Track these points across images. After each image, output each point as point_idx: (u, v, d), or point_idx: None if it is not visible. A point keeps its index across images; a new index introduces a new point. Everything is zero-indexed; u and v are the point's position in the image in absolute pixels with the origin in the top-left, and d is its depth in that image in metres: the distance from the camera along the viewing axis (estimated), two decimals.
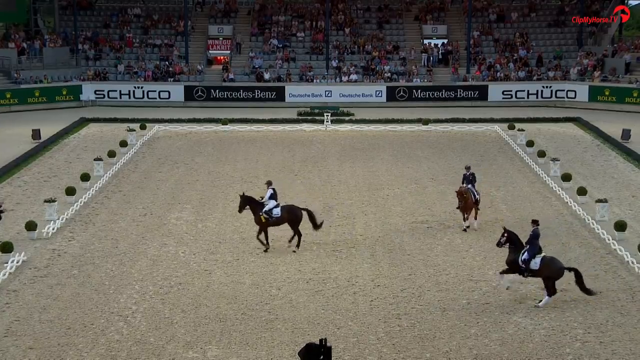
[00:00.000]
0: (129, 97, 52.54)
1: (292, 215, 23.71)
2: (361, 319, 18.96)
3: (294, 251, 23.72)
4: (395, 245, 24.48)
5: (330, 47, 55.47)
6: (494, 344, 17.81)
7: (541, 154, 36.34)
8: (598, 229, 25.58)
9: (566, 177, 31.62)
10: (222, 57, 57.19)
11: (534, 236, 20.04)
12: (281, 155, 37.72)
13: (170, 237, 25.28)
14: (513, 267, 20.20)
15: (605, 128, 42.69)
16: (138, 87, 52.76)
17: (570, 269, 19.79)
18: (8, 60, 51.87)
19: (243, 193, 24.63)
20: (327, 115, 45.31)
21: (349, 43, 56.63)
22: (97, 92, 52.51)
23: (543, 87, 52.63)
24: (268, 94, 52.92)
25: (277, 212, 23.65)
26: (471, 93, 52.91)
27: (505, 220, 27.12)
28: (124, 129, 41.87)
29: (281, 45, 56.38)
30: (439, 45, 56.67)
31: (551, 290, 19.71)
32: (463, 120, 45.77)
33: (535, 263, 19.77)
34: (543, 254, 19.92)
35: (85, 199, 29.17)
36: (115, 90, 52.64)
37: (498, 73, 53.68)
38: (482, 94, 52.74)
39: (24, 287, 20.90)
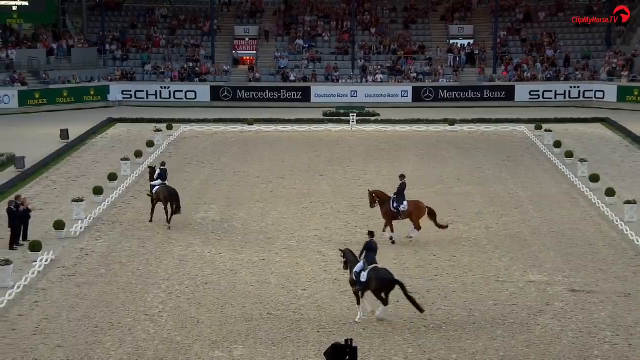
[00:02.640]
0: (156, 98, 52.89)
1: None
2: (387, 320, 18.91)
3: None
4: (420, 245, 24.40)
5: (356, 47, 55.43)
6: (520, 345, 17.70)
7: (569, 154, 36.06)
8: (627, 231, 25.33)
9: (594, 178, 31.34)
10: (248, 58, 57.37)
11: (369, 248, 19.01)
12: (307, 156, 37.74)
13: (196, 237, 25.40)
14: (352, 284, 18.93)
15: (633, 128, 42.26)
16: (165, 88, 53.09)
17: (397, 282, 18.45)
18: (37, 61, 52.41)
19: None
20: (353, 116, 45.28)
21: (374, 43, 56.56)
22: (124, 93, 52.89)
23: (571, 87, 52.23)
24: (294, 94, 52.99)
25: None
26: (498, 93, 52.63)
27: (531, 221, 27.00)
28: (150, 129, 42.15)
29: (307, 46, 56.44)
30: (465, 45, 56.44)
31: (384, 301, 18.59)
32: (489, 121, 45.54)
33: (363, 276, 18.55)
34: (374, 266, 18.68)
35: (112, 198, 29.39)
36: (142, 91, 53.00)
37: (525, 73, 53.34)
38: (508, 94, 52.44)
39: (52, 286, 21.11)
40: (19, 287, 20.56)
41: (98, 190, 29.53)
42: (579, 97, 52.06)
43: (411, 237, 24.55)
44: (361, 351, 16.37)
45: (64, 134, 40.67)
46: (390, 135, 42.98)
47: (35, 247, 23.04)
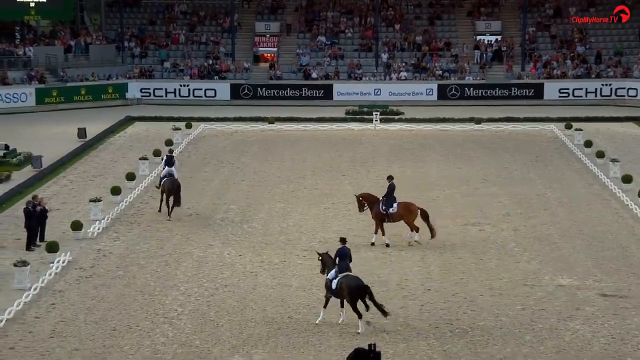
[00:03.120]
0: (175, 96, 53.12)
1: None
2: (411, 324, 18.85)
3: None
4: (446, 248, 24.31)
5: (379, 44, 55.35)
6: (549, 351, 17.57)
7: (600, 154, 35.77)
8: None
9: (627, 179, 31.06)
10: (269, 55, 57.44)
11: (341, 255, 18.80)
12: (328, 155, 37.73)
13: (215, 238, 25.46)
14: (326, 288, 18.74)
15: None
16: (184, 85, 53.30)
17: (366, 287, 18.14)
18: (55, 58, 52.80)
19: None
20: (376, 114, 45.22)
21: (399, 40, 56.43)
22: (142, 90, 53.17)
23: (602, 84, 51.85)
24: (315, 92, 53.01)
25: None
26: (526, 91, 52.38)
27: (560, 223, 26.81)
28: (169, 128, 42.34)
29: (329, 42, 56.43)
30: (492, 42, 56.19)
31: (357, 313, 18.13)
32: (517, 120, 45.32)
33: (334, 283, 18.41)
34: (345, 274, 18.45)
35: (130, 198, 29.53)
36: (161, 89, 53.26)
37: (554, 70, 53.03)
38: (537, 92, 52.16)
39: (69, 288, 21.23)
40: (35, 289, 20.70)
41: (116, 190, 29.67)
42: (610, 95, 51.66)
43: (416, 241, 24.25)
44: (384, 356, 16.31)
45: (82, 132, 40.94)
46: (415, 134, 42.86)
47: (52, 248, 23.18)
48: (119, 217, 27.62)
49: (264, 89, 53.25)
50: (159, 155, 35.92)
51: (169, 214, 27.23)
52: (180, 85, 53.35)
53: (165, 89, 53.29)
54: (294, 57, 55.73)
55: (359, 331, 18.22)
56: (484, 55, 55.03)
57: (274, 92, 53.14)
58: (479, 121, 44.79)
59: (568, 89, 52.14)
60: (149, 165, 33.99)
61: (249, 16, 58.88)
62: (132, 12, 59.13)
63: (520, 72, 53.36)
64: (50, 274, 21.80)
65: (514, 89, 52.40)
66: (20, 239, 24.78)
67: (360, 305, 18.24)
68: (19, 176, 32.89)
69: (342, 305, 18.77)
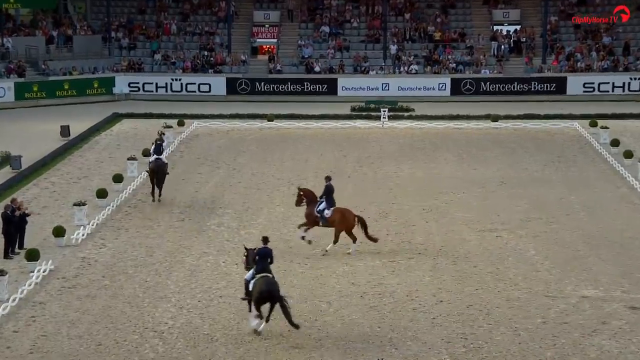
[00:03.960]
0: (166, 91, 53.16)
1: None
2: (422, 339, 18.86)
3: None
4: (460, 256, 24.32)
5: (388, 34, 55.34)
6: None
7: (628, 154, 35.76)
8: None
9: None
10: (268, 46, 57.48)
11: (261, 254, 19.25)
12: (332, 155, 37.75)
13: (210, 245, 25.49)
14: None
15: None
16: (176, 80, 53.34)
17: (276, 297, 18.67)
18: (35, 50, 52.87)
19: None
20: (384, 111, 45.23)
21: (409, 30, 56.44)
22: (131, 85, 53.25)
23: (630, 78, 51.80)
24: (319, 87, 53.02)
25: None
26: (547, 86, 52.33)
27: (584, 229, 26.80)
28: (160, 126, 42.36)
29: (333, 33, 56.45)
30: (510, 32, 56.15)
31: (264, 316, 18.80)
32: (538, 117, 45.31)
33: (251, 284, 18.96)
34: (263, 274, 18.91)
35: (117, 202, 29.58)
36: (151, 83, 53.31)
37: (578, 63, 52.97)
38: (559, 86, 52.11)
39: (51, 299, 21.27)
40: (14, 300, 20.73)
41: (102, 193, 29.72)
42: (639, 89, 51.58)
43: (349, 253, 24.29)
44: None
45: (65, 130, 41.01)
46: (426, 132, 42.87)
47: (32, 256, 23.22)
48: (105, 222, 27.66)
49: (262, 83, 53.27)
50: (148, 156, 35.99)
51: (152, 194, 29.69)
52: (172, 80, 53.39)
53: (156, 84, 53.32)
54: (295, 49, 55.76)
55: (258, 329, 18.76)
56: (502, 46, 55.00)
57: (273, 87, 53.17)
58: (495, 118, 44.77)
59: (593, 83, 52.09)
60: (138, 166, 34.02)
61: (246, 4, 58.92)
62: (119, 0, 59.21)
63: (541, 65, 53.31)
64: (30, 284, 21.83)
65: (534, 84, 52.35)
66: None
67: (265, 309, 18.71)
68: None
69: (250, 310, 19.10)
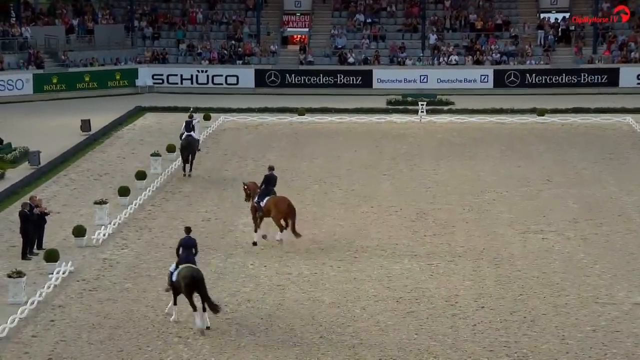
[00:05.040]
0: (191, 83, 53.44)
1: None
2: (462, 347, 18.81)
3: (278, 240, 25.11)
4: (503, 259, 24.22)
5: (426, 23, 55.19)
6: None
7: None
8: None
9: None
10: (299, 36, 57.54)
11: (183, 245, 20.07)
12: (367, 151, 37.74)
13: (237, 246, 25.58)
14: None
15: None
16: (202, 71, 53.59)
17: (198, 279, 19.40)
18: (55, 40, 53.38)
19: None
20: (422, 105, 45.12)
21: (449, 18, 56.23)
22: (154, 77, 53.57)
23: None
24: (352, 79, 53.01)
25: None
26: (598, 77, 51.95)
27: (637, 231, 26.57)
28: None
29: (369, 21, 56.39)
30: (558, 20, 55.78)
31: (192, 306, 19.52)
32: (587, 111, 45.08)
33: (174, 276, 19.76)
34: (186, 265, 19.67)
35: (140, 200, 29.76)
36: (176, 75, 53.60)
37: (632, 53, 52.50)
38: (611, 78, 51.74)
39: (70, 302, 21.45)
40: (32, 304, 20.94)
41: (124, 191, 29.91)
42: None
43: (279, 240, 25.14)
44: None
45: (85, 125, 41.34)
46: (467, 127, 42.73)
47: (52, 256, 23.43)
48: (128, 221, 27.85)
49: (293, 75, 53.35)
50: (173, 151, 36.22)
51: (183, 169, 33.22)
52: (198, 71, 53.64)
53: (181, 75, 53.61)
54: (328, 39, 55.79)
55: (197, 325, 19.36)
56: (549, 35, 54.65)
57: (304, 79, 53.23)
58: (542, 112, 44.54)
59: None
60: (162, 163, 34.23)
61: None
62: None
63: (592, 56, 52.91)
64: (49, 287, 22.04)
65: (584, 75, 51.98)
66: (15, 246, 25.10)
67: (197, 300, 19.40)
68: (14, 174, 33.31)
69: (174, 302, 19.96)
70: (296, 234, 25.11)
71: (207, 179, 33.15)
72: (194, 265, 19.72)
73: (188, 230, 20.53)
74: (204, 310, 19.45)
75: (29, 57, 51.49)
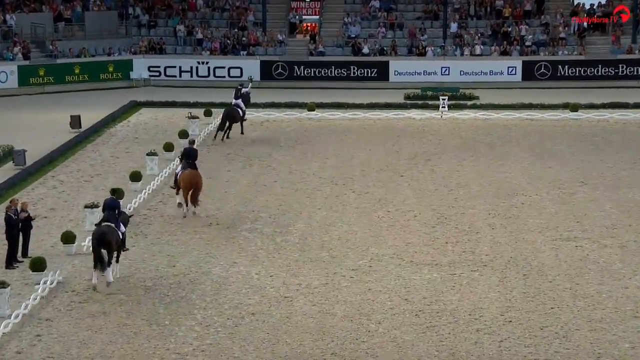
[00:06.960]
0: (191, 75, 53.58)
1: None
2: None
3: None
4: (532, 268, 24.19)
5: (448, 9, 55.16)
6: None
7: None
8: None
9: None
10: (308, 24, 57.59)
11: (108, 206, 23.34)
12: (383, 150, 37.75)
13: (241, 253, 25.60)
14: None
15: None
16: (202, 63, 53.71)
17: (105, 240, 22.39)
18: (42, 28, 53.53)
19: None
20: (444, 99, 45.16)
21: (473, 4, 56.19)
22: (151, 69, 53.71)
23: None
24: (367, 72, 53.07)
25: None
26: (637, 69, 51.89)
27: None
28: (184, 116, 42.65)
29: (385, 8, 56.41)
30: (594, 7, 55.68)
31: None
32: (626, 106, 45.09)
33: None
34: (104, 224, 22.74)
35: (135, 204, 29.81)
36: (174, 67, 53.75)
37: None
38: None
39: (59, 315, 21.49)
40: (17, 317, 20.96)
41: (117, 194, 29.88)
42: None
43: (193, 212, 28.51)
44: None
45: (75, 121, 41.43)
46: (493, 124, 42.71)
47: (38, 265, 23.43)
48: None
49: (302, 67, 53.43)
50: (170, 150, 36.28)
51: (215, 135, 38.44)
52: (198, 63, 53.78)
53: (180, 68, 53.76)
54: (341, 27, 55.82)
55: (93, 282, 22.33)
56: (584, 23, 54.56)
57: (314, 72, 53.30)
58: (575, 108, 44.49)
59: None
60: (158, 163, 34.27)
61: None
62: None
63: (631, 46, 52.86)
64: (35, 298, 22.07)
65: (622, 67, 51.96)
66: None
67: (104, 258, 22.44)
68: None
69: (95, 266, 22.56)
70: (194, 203, 28.32)
71: (208, 181, 33.15)
72: (111, 225, 22.66)
73: (113, 191, 24.54)
74: (109, 264, 22.44)
75: (14, 47, 51.62)
